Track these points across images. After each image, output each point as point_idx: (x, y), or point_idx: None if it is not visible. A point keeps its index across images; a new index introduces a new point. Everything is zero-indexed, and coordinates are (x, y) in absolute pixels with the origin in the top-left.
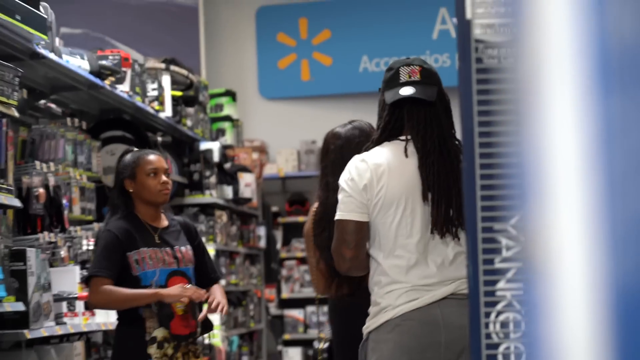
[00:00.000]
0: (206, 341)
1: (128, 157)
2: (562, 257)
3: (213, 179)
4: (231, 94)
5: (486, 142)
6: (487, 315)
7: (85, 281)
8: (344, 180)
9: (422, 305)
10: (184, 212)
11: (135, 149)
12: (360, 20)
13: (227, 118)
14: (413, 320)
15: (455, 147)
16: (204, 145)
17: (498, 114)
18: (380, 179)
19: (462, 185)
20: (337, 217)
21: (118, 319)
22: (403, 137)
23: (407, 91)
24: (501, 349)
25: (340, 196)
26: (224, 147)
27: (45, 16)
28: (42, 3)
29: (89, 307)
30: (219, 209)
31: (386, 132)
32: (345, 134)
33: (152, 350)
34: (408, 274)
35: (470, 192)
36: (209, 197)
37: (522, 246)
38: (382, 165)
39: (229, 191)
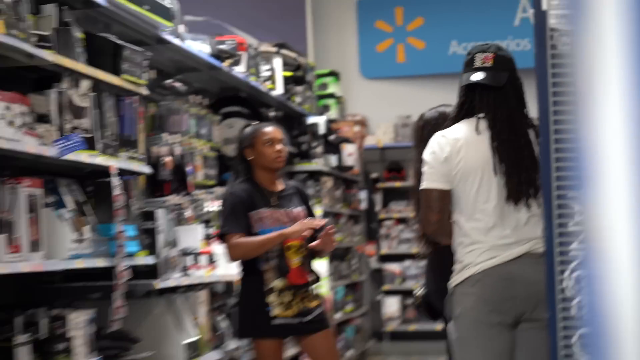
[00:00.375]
0: (314, 292)
1: (248, 129)
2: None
3: (319, 149)
4: (335, 74)
5: (559, 120)
6: (562, 272)
7: (220, 239)
8: (427, 154)
9: (501, 263)
10: (294, 178)
11: (311, 120)
12: (450, 9)
13: (332, 95)
14: (492, 276)
15: (524, 125)
16: (311, 120)
17: (570, 94)
18: (459, 152)
19: (531, 159)
20: (422, 186)
21: (241, 272)
22: (478, 116)
23: (477, 77)
24: (574, 302)
25: (424, 168)
26: (329, 121)
27: (171, 6)
28: None
29: (231, 261)
30: (324, 176)
31: (462, 111)
32: (426, 117)
33: (271, 298)
34: (487, 234)
35: (545, 163)
36: (315, 165)
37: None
38: (460, 139)
39: (333, 160)
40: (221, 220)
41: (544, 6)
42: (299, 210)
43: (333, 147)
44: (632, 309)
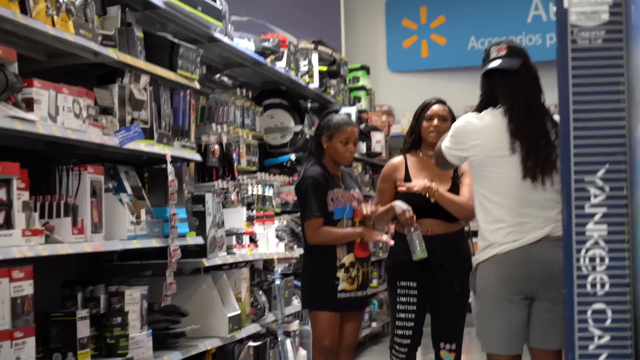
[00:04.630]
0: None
1: (333, 119)
2: None
3: None
4: (365, 68)
5: (579, 109)
6: (578, 251)
7: (303, 219)
8: (447, 137)
9: (523, 245)
10: None
11: (340, 111)
12: (469, 8)
13: (362, 88)
14: (514, 257)
15: (540, 109)
16: (344, 110)
17: (589, 85)
18: (478, 138)
19: (548, 139)
20: (442, 148)
21: (309, 246)
22: (498, 105)
23: (494, 63)
24: (589, 279)
25: (444, 144)
26: (360, 111)
27: (221, 7)
28: None
29: (310, 243)
30: (355, 161)
31: (485, 100)
32: None
33: (341, 274)
34: (510, 215)
35: (565, 150)
36: None
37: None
38: (481, 125)
39: (363, 146)
40: (304, 200)
41: (565, 4)
42: (357, 191)
43: (363, 135)
44: None
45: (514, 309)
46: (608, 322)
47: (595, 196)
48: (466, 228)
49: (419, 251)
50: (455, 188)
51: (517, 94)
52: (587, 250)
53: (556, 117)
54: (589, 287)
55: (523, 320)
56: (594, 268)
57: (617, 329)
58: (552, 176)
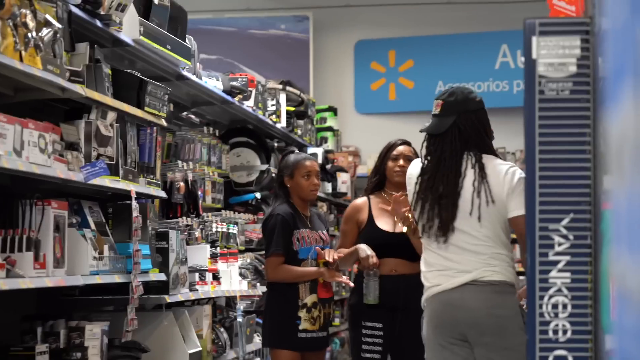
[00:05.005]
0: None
1: (291, 158)
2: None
3: None
4: (333, 110)
5: (545, 158)
6: (541, 298)
7: (266, 256)
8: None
9: (444, 290)
10: None
11: (296, 150)
12: (437, 53)
13: (329, 128)
14: (436, 301)
15: (449, 169)
16: (310, 150)
17: (555, 135)
18: (410, 184)
19: (455, 197)
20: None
21: (272, 284)
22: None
23: (426, 125)
24: (551, 325)
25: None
26: (326, 152)
27: (190, 46)
28: (188, 36)
29: (268, 279)
30: (321, 201)
31: (422, 150)
32: None
33: (303, 313)
34: (436, 258)
35: (530, 198)
36: None
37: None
38: (415, 176)
39: (329, 187)
40: (269, 237)
41: (534, 55)
42: (324, 232)
43: (329, 176)
44: None
45: (448, 355)
46: None
47: (560, 244)
48: None
49: (372, 298)
50: None
51: (443, 153)
52: (550, 297)
53: (489, 161)
54: (550, 334)
55: None
56: (556, 315)
57: None
58: (478, 226)
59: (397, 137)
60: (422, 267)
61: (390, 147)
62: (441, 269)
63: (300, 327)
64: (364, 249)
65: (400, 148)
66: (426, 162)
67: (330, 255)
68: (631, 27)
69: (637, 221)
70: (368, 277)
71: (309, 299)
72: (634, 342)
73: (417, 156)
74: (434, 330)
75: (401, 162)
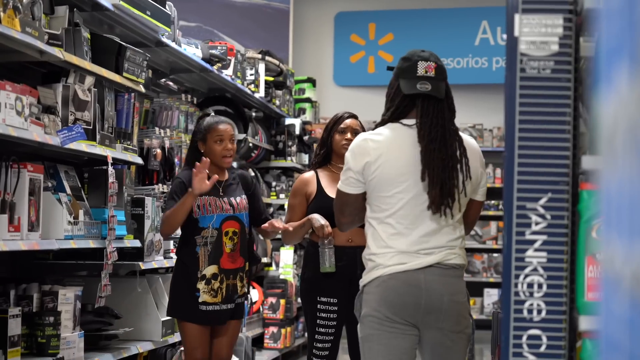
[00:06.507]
0: (245, 278)
1: (204, 122)
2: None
3: (294, 148)
4: (312, 81)
5: (524, 137)
6: (517, 277)
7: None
8: (349, 154)
9: (409, 270)
10: (269, 173)
11: (212, 113)
12: (417, 27)
13: (308, 100)
14: (398, 280)
15: (452, 137)
16: (288, 121)
17: (536, 114)
18: (379, 157)
19: (454, 170)
20: (338, 186)
21: (178, 253)
22: (406, 122)
23: (424, 87)
24: (526, 305)
25: (344, 167)
26: (304, 123)
27: (170, 12)
28: (168, 2)
29: (163, 237)
30: (297, 172)
31: (394, 116)
32: None
33: (201, 285)
34: (398, 240)
35: (509, 176)
36: (290, 162)
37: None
38: (383, 145)
39: (305, 158)
40: (166, 201)
41: (516, 33)
42: (240, 198)
43: (306, 147)
44: None
45: (398, 334)
46: (543, 348)
47: (537, 223)
48: None
49: (328, 265)
50: None
51: (437, 122)
52: (525, 276)
53: (464, 137)
54: (525, 313)
55: (407, 347)
56: (531, 294)
57: (551, 355)
58: (453, 208)
59: (375, 110)
60: (375, 247)
61: (337, 120)
62: (404, 249)
63: (200, 300)
64: (317, 219)
65: (348, 121)
66: (420, 124)
67: (278, 224)
68: (627, 7)
69: (629, 205)
70: (323, 246)
71: (208, 270)
72: (622, 327)
73: (364, 130)
74: (387, 310)
75: (348, 135)
